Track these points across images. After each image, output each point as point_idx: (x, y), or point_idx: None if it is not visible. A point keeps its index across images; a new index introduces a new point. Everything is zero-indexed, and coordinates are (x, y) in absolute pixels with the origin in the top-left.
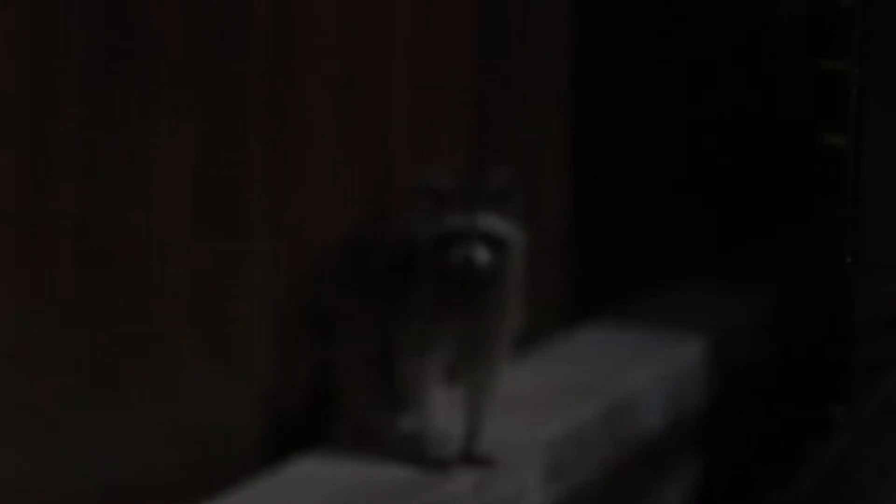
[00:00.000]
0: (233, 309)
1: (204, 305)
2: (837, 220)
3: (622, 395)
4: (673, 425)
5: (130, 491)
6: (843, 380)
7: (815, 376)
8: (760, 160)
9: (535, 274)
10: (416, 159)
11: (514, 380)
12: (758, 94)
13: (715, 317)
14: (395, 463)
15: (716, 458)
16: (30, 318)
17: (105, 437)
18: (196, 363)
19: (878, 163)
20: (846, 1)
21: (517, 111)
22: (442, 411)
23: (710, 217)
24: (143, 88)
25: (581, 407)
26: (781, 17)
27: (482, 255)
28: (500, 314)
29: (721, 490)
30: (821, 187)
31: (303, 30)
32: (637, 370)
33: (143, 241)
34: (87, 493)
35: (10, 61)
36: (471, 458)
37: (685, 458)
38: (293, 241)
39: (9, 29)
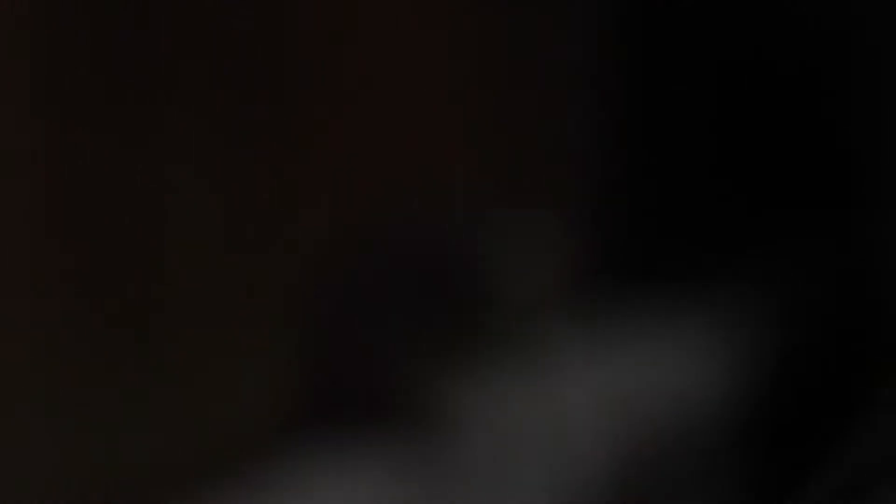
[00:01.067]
0: (252, 297)
1: (224, 296)
2: (857, 208)
3: (632, 385)
4: (684, 417)
5: (162, 469)
6: (865, 367)
7: (837, 364)
8: (777, 149)
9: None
10: (427, 165)
11: None
12: (776, 83)
13: (729, 306)
14: (421, 441)
15: (728, 452)
16: (51, 304)
17: (133, 419)
18: (223, 348)
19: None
20: None
21: (535, 110)
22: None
23: (727, 206)
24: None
25: (587, 400)
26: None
27: (520, 269)
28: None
29: (731, 485)
30: (839, 173)
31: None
32: (648, 361)
33: (158, 231)
34: (114, 474)
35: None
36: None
37: (694, 452)
38: (309, 235)
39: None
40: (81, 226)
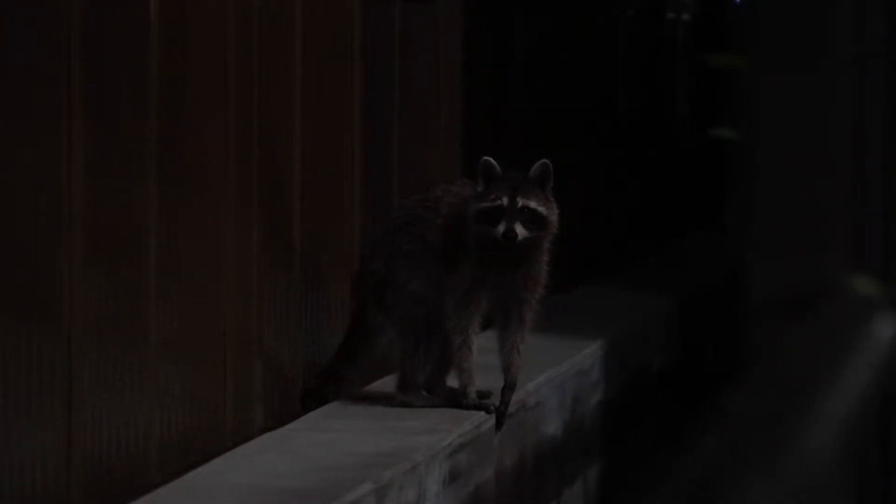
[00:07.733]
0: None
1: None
2: (731, 214)
3: (522, 398)
4: (573, 425)
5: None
6: (736, 366)
7: (713, 366)
8: (657, 160)
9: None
10: (310, 188)
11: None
12: (654, 93)
13: (614, 316)
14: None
15: (616, 455)
16: None
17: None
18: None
19: (769, 153)
20: None
21: (412, 135)
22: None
23: (611, 217)
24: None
25: (479, 413)
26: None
27: (519, 229)
28: (532, 280)
29: (621, 485)
30: (714, 181)
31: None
32: (537, 373)
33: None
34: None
35: None
36: (501, 411)
37: (586, 457)
38: (191, 266)
39: None
40: None
